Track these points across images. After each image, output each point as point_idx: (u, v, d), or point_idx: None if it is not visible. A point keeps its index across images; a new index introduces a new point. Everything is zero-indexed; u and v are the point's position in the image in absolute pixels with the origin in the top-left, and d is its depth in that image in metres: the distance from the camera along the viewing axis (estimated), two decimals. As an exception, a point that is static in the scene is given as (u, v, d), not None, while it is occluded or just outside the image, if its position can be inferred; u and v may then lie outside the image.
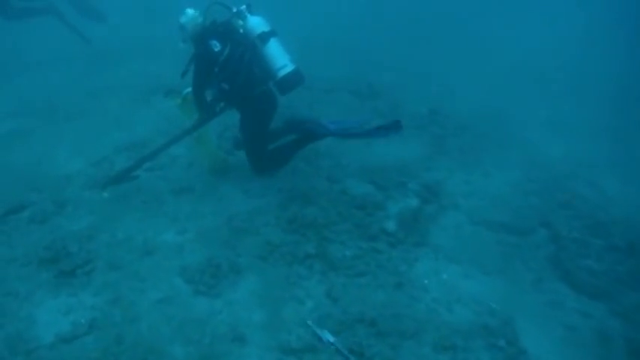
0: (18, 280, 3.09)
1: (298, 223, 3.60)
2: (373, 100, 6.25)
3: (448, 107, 6.06)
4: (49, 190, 4.04)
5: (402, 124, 3.53)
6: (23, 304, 2.91)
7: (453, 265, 3.45)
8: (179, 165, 4.51)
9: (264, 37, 3.51)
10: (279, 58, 3.51)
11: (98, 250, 3.34)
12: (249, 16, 3.58)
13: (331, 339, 2.69)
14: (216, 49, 3.51)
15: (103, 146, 4.78)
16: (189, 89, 3.86)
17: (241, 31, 3.59)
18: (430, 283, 3.25)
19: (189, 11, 3.65)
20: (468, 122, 5.76)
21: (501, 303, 3.13)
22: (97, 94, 6.19)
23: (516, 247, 3.72)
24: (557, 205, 4.17)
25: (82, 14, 8.06)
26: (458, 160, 4.85)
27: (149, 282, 3.11)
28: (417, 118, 5.72)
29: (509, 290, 3.29)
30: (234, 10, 3.62)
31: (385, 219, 3.64)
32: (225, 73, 3.55)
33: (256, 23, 3.56)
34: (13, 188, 4.04)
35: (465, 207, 4.11)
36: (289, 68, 3.52)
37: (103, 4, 8.45)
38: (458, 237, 3.76)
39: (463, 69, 7.54)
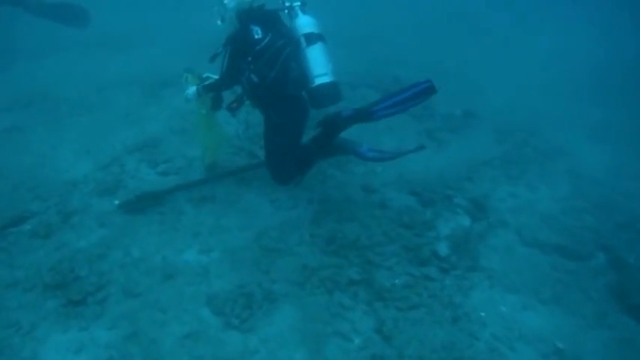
0: (20, 309, 2.65)
1: (338, 243, 3.20)
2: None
3: (482, 109, 5.64)
4: (52, 198, 3.55)
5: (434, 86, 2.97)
6: (26, 340, 2.49)
7: (510, 295, 3.12)
8: (197, 169, 4.05)
9: (311, 39, 3.07)
10: (321, 65, 3.06)
11: (111, 273, 2.91)
12: (300, 13, 3.16)
13: None
14: (256, 36, 3.08)
15: (111, 146, 4.27)
16: (208, 74, 3.45)
17: (288, 25, 3.15)
18: (487, 316, 2.92)
19: None
20: (505, 127, 5.35)
21: (566, 341, 2.82)
22: (101, 87, 5.61)
23: (574, 274, 3.38)
24: (614, 226, 3.81)
25: (61, 20, 7.17)
26: (500, 170, 4.45)
27: (172, 313, 2.71)
28: (451, 120, 5.31)
29: (572, 325, 2.97)
30: (287, 3, 3.21)
31: (436, 240, 3.25)
32: (259, 63, 3.10)
33: (306, 22, 3.13)
34: (11, 196, 3.54)
35: (515, 225, 3.74)
36: (327, 79, 3.06)
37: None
38: (510, 260, 3.40)
39: (492, 69, 7.12)
